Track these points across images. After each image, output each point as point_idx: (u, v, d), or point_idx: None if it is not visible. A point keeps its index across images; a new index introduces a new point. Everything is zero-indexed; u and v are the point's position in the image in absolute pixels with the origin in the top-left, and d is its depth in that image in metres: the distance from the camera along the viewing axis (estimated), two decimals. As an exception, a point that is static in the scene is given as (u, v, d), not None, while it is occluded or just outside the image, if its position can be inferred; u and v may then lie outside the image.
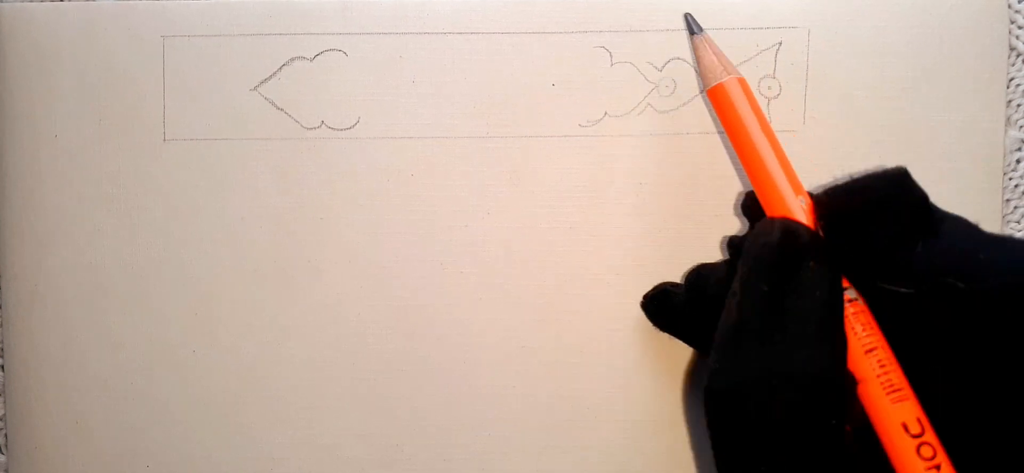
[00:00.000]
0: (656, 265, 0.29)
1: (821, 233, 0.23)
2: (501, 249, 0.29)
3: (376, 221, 0.29)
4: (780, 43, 0.28)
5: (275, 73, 0.29)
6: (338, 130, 0.29)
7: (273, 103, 0.29)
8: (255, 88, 0.29)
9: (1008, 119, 0.29)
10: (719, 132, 0.28)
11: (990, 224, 0.28)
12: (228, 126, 0.29)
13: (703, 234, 0.29)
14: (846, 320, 0.23)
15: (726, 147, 0.28)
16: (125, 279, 0.29)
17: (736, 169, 0.28)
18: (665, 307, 0.28)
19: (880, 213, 0.23)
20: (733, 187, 0.28)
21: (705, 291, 0.26)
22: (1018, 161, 0.29)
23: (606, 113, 0.29)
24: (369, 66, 0.29)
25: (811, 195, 0.25)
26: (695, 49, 0.28)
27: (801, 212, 0.24)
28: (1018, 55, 0.29)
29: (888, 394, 0.22)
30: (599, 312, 0.29)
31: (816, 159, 0.28)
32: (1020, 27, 0.29)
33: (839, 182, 0.24)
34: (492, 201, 0.29)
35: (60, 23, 0.28)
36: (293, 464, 0.29)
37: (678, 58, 0.28)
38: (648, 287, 0.29)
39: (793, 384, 0.22)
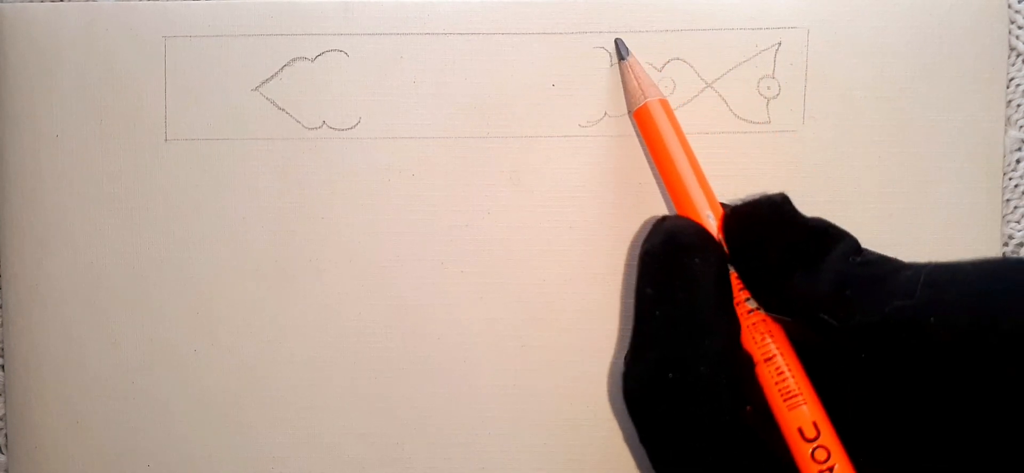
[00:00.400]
0: (656, 265, 0.29)
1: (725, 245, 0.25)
2: (501, 249, 0.29)
3: (376, 221, 0.29)
4: (779, 43, 0.28)
5: (276, 73, 0.29)
6: (339, 130, 0.29)
7: (274, 103, 0.29)
8: (256, 88, 0.29)
9: (1008, 119, 0.29)
10: (719, 132, 0.29)
11: (990, 224, 0.28)
12: (229, 126, 0.29)
13: (703, 234, 0.29)
14: (746, 329, 0.24)
15: (726, 147, 0.28)
16: (125, 279, 0.29)
17: (738, 169, 0.28)
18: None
19: (761, 238, 0.24)
20: (733, 187, 0.28)
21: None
22: (1018, 161, 0.29)
23: (606, 113, 0.29)
24: (370, 66, 0.29)
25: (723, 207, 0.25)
26: (622, 73, 0.28)
27: (711, 223, 0.25)
28: (1018, 55, 0.29)
29: (785, 400, 0.23)
30: (599, 312, 0.29)
31: (815, 159, 0.28)
32: (1020, 27, 0.29)
33: (737, 203, 0.25)
34: (492, 201, 0.29)
35: (61, 23, 0.29)
36: (293, 464, 0.29)
37: (678, 58, 0.28)
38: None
39: (688, 372, 0.23)
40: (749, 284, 0.24)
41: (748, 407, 0.23)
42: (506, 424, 0.29)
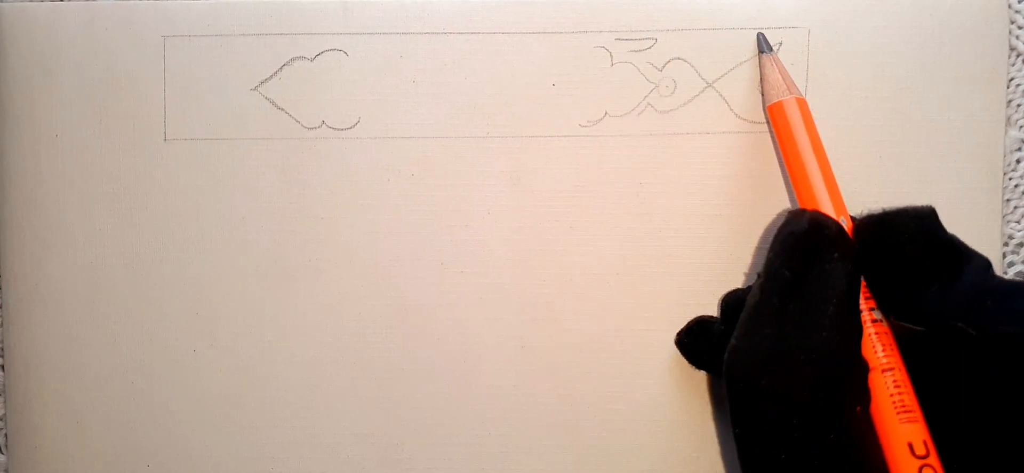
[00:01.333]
0: (656, 265, 0.29)
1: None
2: (501, 249, 0.29)
3: (376, 221, 0.29)
4: (780, 43, 0.28)
5: (276, 73, 0.29)
6: (339, 130, 0.29)
7: (274, 103, 0.29)
8: (256, 88, 0.29)
9: (1008, 119, 0.29)
10: (720, 132, 0.28)
11: (990, 224, 0.28)
12: (229, 126, 0.29)
13: (703, 234, 0.29)
14: (867, 339, 0.24)
15: (727, 147, 0.28)
16: (125, 279, 0.29)
17: (738, 169, 0.28)
18: (703, 339, 0.28)
19: (903, 250, 0.24)
20: (733, 187, 0.28)
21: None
22: (1018, 161, 0.29)
23: (606, 113, 0.29)
24: (370, 66, 0.29)
25: (852, 219, 0.25)
26: (762, 67, 0.28)
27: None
28: (1018, 55, 0.29)
29: (898, 413, 0.23)
30: (599, 312, 0.29)
31: (816, 159, 0.28)
32: (1020, 27, 0.29)
33: (874, 212, 0.25)
34: (492, 201, 0.29)
35: (61, 23, 0.28)
36: (293, 464, 0.29)
37: (678, 58, 0.28)
38: (648, 287, 0.29)
39: (807, 362, 0.22)
40: (881, 292, 0.24)
41: (858, 407, 0.23)
42: (506, 424, 0.29)
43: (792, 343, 0.23)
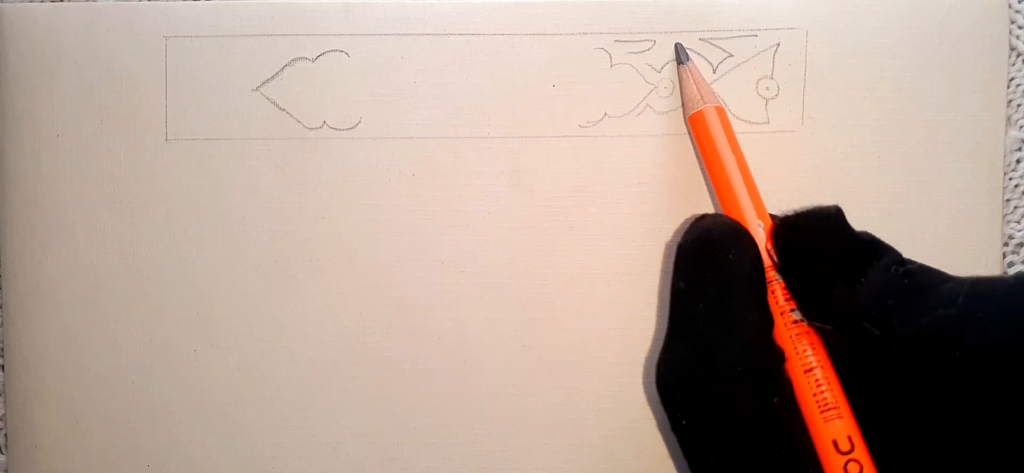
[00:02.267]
0: (656, 265, 0.29)
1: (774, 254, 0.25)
2: (501, 249, 0.29)
3: (376, 221, 0.29)
4: (778, 44, 0.28)
5: (277, 73, 0.29)
6: (340, 130, 0.29)
7: (275, 103, 0.29)
8: (257, 88, 0.29)
9: (1008, 119, 0.29)
10: (719, 132, 0.29)
11: (990, 224, 0.28)
12: (230, 126, 0.29)
13: (703, 234, 0.29)
14: (789, 340, 0.24)
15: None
16: (125, 279, 0.29)
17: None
18: None
19: (810, 250, 0.24)
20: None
21: None
22: (1018, 161, 0.29)
23: (606, 113, 0.29)
24: (371, 66, 0.29)
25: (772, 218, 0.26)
26: (680, 78, 0.28)
27: (760, 233, 0.25)
28: (1018, 55, 0.29)
29: (822, 412, 0.23)
30: (599, 312, 0.29)
31: (814, 159, 0.28)
32: (1020, 27, 0.29)
33: (786, 214, 0.25)
34: (492, 201, 0.29)
35: (62, 23, 0.29)
36: (293, 464, 0.29)
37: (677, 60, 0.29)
38: (648, 287, 0.29)
39: (719, 363, 0.23)
40: (795, 294, 0.24)
41: (776, 398, 0.23)
42: (506, 424, 0.29)
43: (706, 350, 0.24)
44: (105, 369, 0.29)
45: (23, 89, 0.29)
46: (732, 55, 0.29)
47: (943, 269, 0.28)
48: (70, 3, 0.29)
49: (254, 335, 0.29)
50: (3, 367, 0.30)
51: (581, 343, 0.29)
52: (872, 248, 0.24)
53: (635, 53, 0.29)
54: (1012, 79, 0.29)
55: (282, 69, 0.29)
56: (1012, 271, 0.29)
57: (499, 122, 0.29)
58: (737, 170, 0.26)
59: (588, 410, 0.29)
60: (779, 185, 0.28)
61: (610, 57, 0.29)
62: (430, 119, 0.29)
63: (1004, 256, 0.29)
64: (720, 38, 0.29)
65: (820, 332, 0.24)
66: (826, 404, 0.23)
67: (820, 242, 0.24)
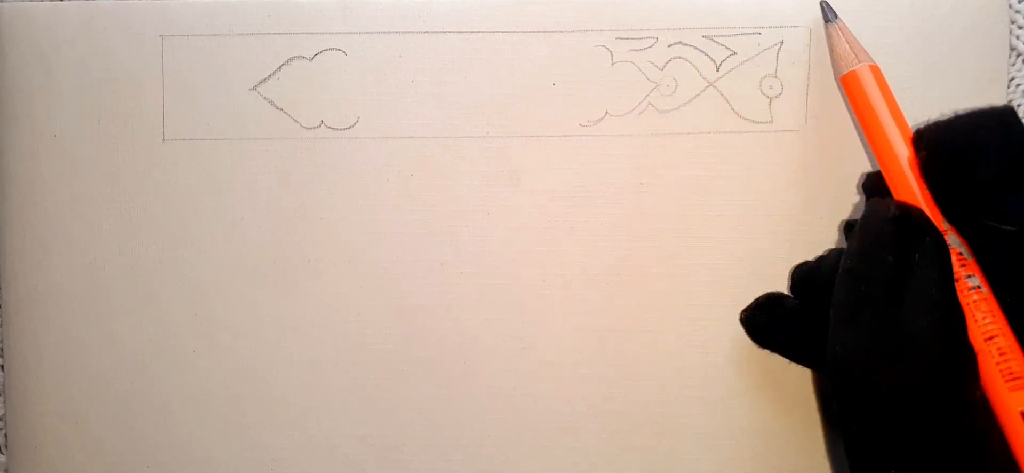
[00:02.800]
0: (656, 265, 0.29)
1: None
2: (501, 249, 0.29)
3: (376, 221, 0.29)
4: (781, 42, 0.28)
5: (274, 73, 0.29)
6: (338, 130, 0.29)
7: (272, 103, 0.29)
8: (254, 88, 0.29)
9: (1008, 119, 0.29)
10: (721, 132, 0.28)
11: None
12: (227, 126, 0.29)
13: (703, 234, 0.29)
14: (967, 308, 0.23)
15: (728, 147, 0.28)
16: (125, 279, 0.29)
17: (739, 169, 0.28)
18: (774, 315, 0.27)
19: (982, 151, 0.23)
20: (735, 187, 0.28)
21: (820, 287, 0.25)
22: (1018, 161, 0.29)
23: (607, 113, 0.29)
24: (369, 66, 0.29)
25: (913, 132, 0.25)
26: (829, 37, 0.27)
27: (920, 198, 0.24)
28: (1018, 55, 0.29)
29: (1007, 381, 0.22)
30: (599, 312, 0.29)
31: (818, 158, 0.28)
32: (1020, 27, 0.29)
33: (942, 118, 0.24)
34: (492, 201, 0.29)
35: (60, 23, 0.28)
36: (293, 464, 0.29)
37: (679, 57, 0.28)
38: (648, 287, 0.29)
39: (920, 351, 0.22)
40: (961, 200, 0.23)
41: (978, 391, 0.22)
42: (506, 425, 0.29)
43: (901, 333, 0.22)
44: (105, 369, 0.29)
45: (21, 89, 0.29)
46: (735, 53, 0.28)
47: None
48: (67, 2, 0.29)
49: (254, 335, 0.29)
50: (3, 367, 0.30)
51: (581, 343, 0.29)
52: None
53: (637, 50, 0.29)
54: (1012, 79, 0.29)
55: (279, 68, 0.29)
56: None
57: (499, 122, 0.29)
58: (894, 126, 0.25)
59: (588, 410, 0.29)
60: (782, 183, 0.28)
61: (611, 55, 0.29)
62: (429, 118, 0.29)
63: None
64: (723, 36, 0.28)
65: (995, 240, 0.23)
66: (1011, 373, 0.22)
67: (992, 140, 0.23)
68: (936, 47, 0.28)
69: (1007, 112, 0.24)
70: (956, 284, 0.23)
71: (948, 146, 0.24)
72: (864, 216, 0.24)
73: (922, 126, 0.24)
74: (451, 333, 0.29)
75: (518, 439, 0.29)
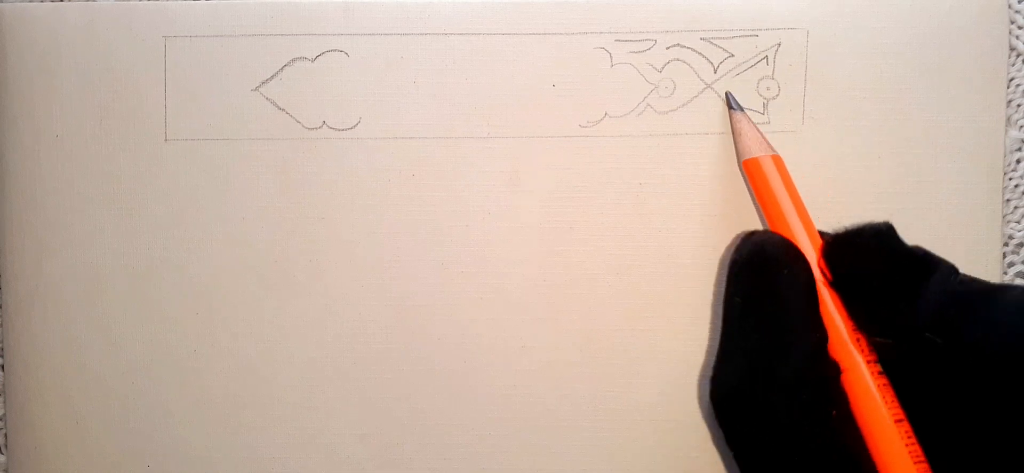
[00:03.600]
0: (656, 265, 0.29)
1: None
2: (501, 249, 0.29)
3: (376, 221, 0.29)
4: (779, 44, 0.28)
5: (276, 73, 0.29)
6: (339, 130, 0.29)
7: (274, 103, 0.29)
8: (256, 88, 0.29)
9: (1008, 119, 0.29)
10: (719, 133, 0.29)
11: (990, 224, 0.28)
12: (229, 126, 0.29)
13: (703, 234, 0.29)
14: (849, 353, 0.24)
15: (726, 148, 0.28)
16: (125, 279, 0.29)
17: (737, 169, 0.28)
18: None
19: (865, 267, 0.24)
20: (733, 187, 0.28)
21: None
22: (1018, 161, 0.29)
23: (606, 114, 0.29)
24: (370, 66, 0.29)
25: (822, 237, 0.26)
26: (732, 123, 0.28)
27: (812, 254, 0.25)
28: (1018, 55, 0.29)
29: (915, 464, 0.23)
30: (599, 312, 0.29)
31: (815, 159, 0.28)
32: (1020, 27, 0.29)
33: (839, 232, 0.25)
34: (492, 201, 0.29)
35: (61, 23, 0.29)
36: (293, 464, 0.29)
37: (677, 59, 0.28)
38: (648, 287, 0.29)
39: (775, 377, 0.24)
40: (851, 310, 0.25)
41: (834, 411, 0.23)
42: (506, 425, 0.29)
43: (762, 363, 0.24)
44: (105, 369, 0.29)
45: (23, 89, 0.29)
46: (733, 55, 0.28)
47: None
48: (70, 3, 0.29)
49: (254, 335, 0.29)
50: (3, 367, 0.30)
51: (581, 343, 0.29)
52: (926, 262, 0.24)
53: (636, 53, 0.29)
54: (1012, 79, 0.29)
55: (281, 69, 0.29)
56: (1012, 271, 0.29)
57: (499, 122, 0.29)
58: (793, 210, 0.26)
59: (588, 410, 0.29)
60: (779, 185, 0.28)
61: (611, 57, 0.29)
62: (430, 119, 0.29)
63: (1004, 256, 0.29)
64: (721, 38, 0.28)
65: (877, 347, 0.24)
66: (918, 456, 0.23)
67: (874, 259, 0.24)
68: (936, 47, 0.28)
69: (882, 231, 0.25)
70: (837, 330, 0.24)
71: (839, 264, 0.25)
72: (734, 250, 0.26)
73: (824, 238, 0.26)
74: (451, 333, 0.29)
75: (517, 439, 0.29)
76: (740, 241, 0.27)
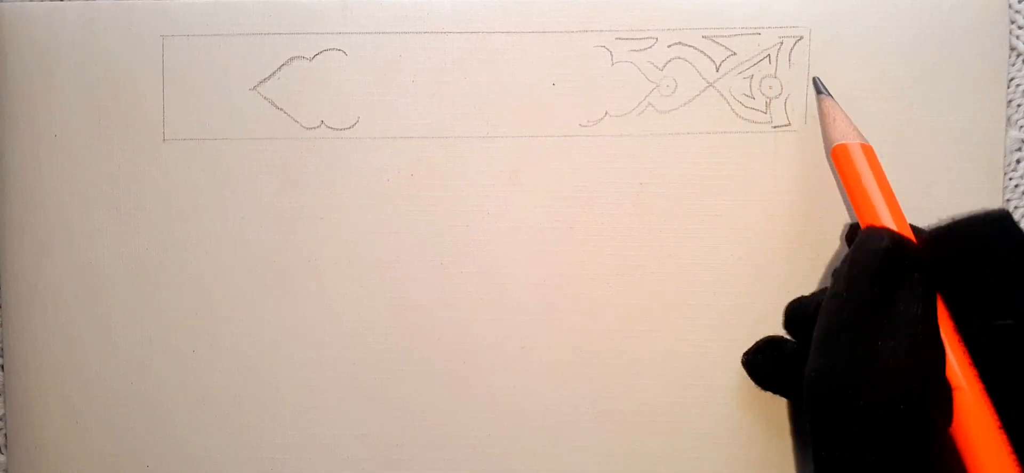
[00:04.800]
0: (656, 265, 0.29)
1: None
2: (501, 249, 0.29)
3: (376, 221, 0.29)
4: (781, 42, 0.28)
5: (275, 73, 0.29)
6: (338, 130, 0.29)
7: (273, 103, 0.29)
8: (254, 88, 0.29)
9: (1008, 119, 0.29)
10: (720, 132, 0.28)
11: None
12: (227, 126, 0.29)
13: (703, 234, 0.29)
14: (964, 375, 0.23)
15: (727, 147, 0.28)
16: (125, 279, 0.29)
17: (739, 169, 0.28)
18: (774, 358, 0.28)
19: (980, 259, 0.23)
20: (735, 187, 0.28)
21: (811, 322, 0.25)
22: (1018, 161, 0.29)
23: (607, 113, 0.29)
24: (369, 66, 0.29)
25: (916, 235, 0.25)
26: (822, 108, 0.28)
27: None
28: (1018, 55, 0.29)
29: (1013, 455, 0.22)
30: (599, 312, 0.29)
31: (816, 159, 0.28)
32: (1020, 27, 0.29)
33: (941, 225, 0.24)
34: (492, 201, 0.29)
35: (60, 23, 0.28)
36: (293, 464, 0.29)
37: (679, 58, 0.28)
38: (648, 287, 0.29)
39: (895, 382, 0.22)
40: (962, 306, 0.23)
41: (947, 427, 0.22)
42: (506, 424, 0.29)
43: (878, 363, 0.22)
44: (105, 369, 0.29)
45: (21, 89, 0.29)
46: (735, 53, 0.28)
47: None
48: (69, 3, 0.29)
49: (254, 335, 0.29)
50: (3, 367, 0.30)
51: (581, 343, 0.29)
52: None
53: (637, 51, 0.29)
54: (1012, 79, 0.29)
55: (279, 68, 0.29)
56: (1012, 271, 0.29)
57: (499, 122, 0.29)
58: (884, 203, 0.25)
59: (588, 410, 0.29)
60: (781, 184, 0.28)
61: (611, 55, 0.29)
62: (429, 118, 0.29)
63: None
64: (723, 36, 0.28)
65: (996, 332, 0.23)
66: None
67: (988, 254, 0.23)
68: (936, 47, 0.28)
69: (1001, 217, 0.24)
70: (955, 350, 0.23)
71: (950, 259, 0.24)
72: (856, 244, 0.25)
73: (930, 231, 0.24)
74: (451, 333, 0.29)
75: (518, 438, 0.29)
76: (870, 232, 0.24)
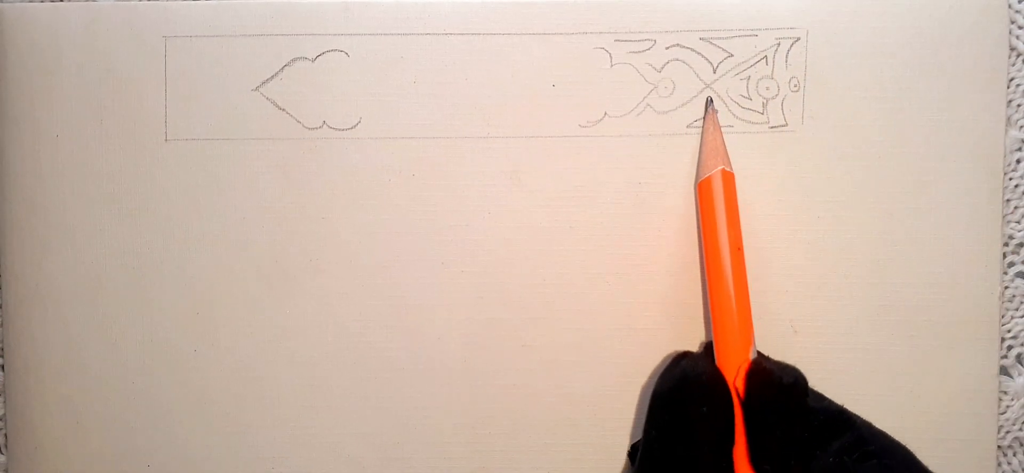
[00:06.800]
0: (656, 265, 0.29)
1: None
2: (501, 249, 0.29)
3: (377, 221, 0.29)
4: (778, 44, 0.28)
5: (277, 73, 0.29)
6: (339, 130, 0.29)
7: (274, 103, 0.29)
8: (256, 88, 0.29)
9: (1008, 119, 0.29)
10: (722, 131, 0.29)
11: (990, 224, 0.28)
12: (229, 126, 0.29)
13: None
14: None
15: (728, 146, 0.28)
16: (125, 279, 0.29)
17: (736, 169, 0.28)
18: None
19: (770, 413, 0.25)
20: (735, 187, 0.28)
21: None
22: (1018, 161, 0.29)
23: (606, 114, 0.29)
24: (370, 66, 0.29)
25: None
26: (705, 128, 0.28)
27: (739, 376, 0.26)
28: (1018, 55, 0.29)
29: None
30: (599, 312, 0.29)
31: (815, 159, 0.28)
32: (1020, 27, 0.29)
33: (761, 365, 0.26)
34: (492, 201, 0.29)
35: (61, 23, 0.29)
36: (293, 464, 0.29)
37: (677, 59, 0.29)
38: (648, 287, 0.29)
39: None
40: (753, 440, 0.25)
41: None
42: (506, 424, 0.29)
43: None
44: (105, 369, 0.29)
45: (23, 89, 0.29)
46: (732, 55, 0.28)
47: (943, 270, 0.28)
48: (70, 3, 0.29)
49: (254, 335, 0.29)
50: (3, 367, 0.30)
51: (581, 343, 0.29)
52: (832, 426, 0.24)
53: (635, 53, 0.29)
54: (1012, 79, 0.29)
55: (282, 69, 0.29)
56: (1012, 271, 0.29)
57: (499, 122, 0.29)
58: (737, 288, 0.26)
59: (588, 410, 0.29)
60: (779, 185, 0.28)
61: (610, 57, 0.29)
62: (430, 119, 0.29)
63: (1004, 256, 0.29)
64: (720, 38, 0.29)
65: None
66: None
67: (781, 409, 0.25)
68: (936, 47, 0.28)
69: (792, 385, 0.25)
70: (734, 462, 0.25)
71: (750, 404, 0.25)
72: (656, 380, 0.26)
73: (753, 365, 0.26)
74: (451, 332, 0.29)
75: (518, 438, 0.29)
76: (665, 369, 0.27)
